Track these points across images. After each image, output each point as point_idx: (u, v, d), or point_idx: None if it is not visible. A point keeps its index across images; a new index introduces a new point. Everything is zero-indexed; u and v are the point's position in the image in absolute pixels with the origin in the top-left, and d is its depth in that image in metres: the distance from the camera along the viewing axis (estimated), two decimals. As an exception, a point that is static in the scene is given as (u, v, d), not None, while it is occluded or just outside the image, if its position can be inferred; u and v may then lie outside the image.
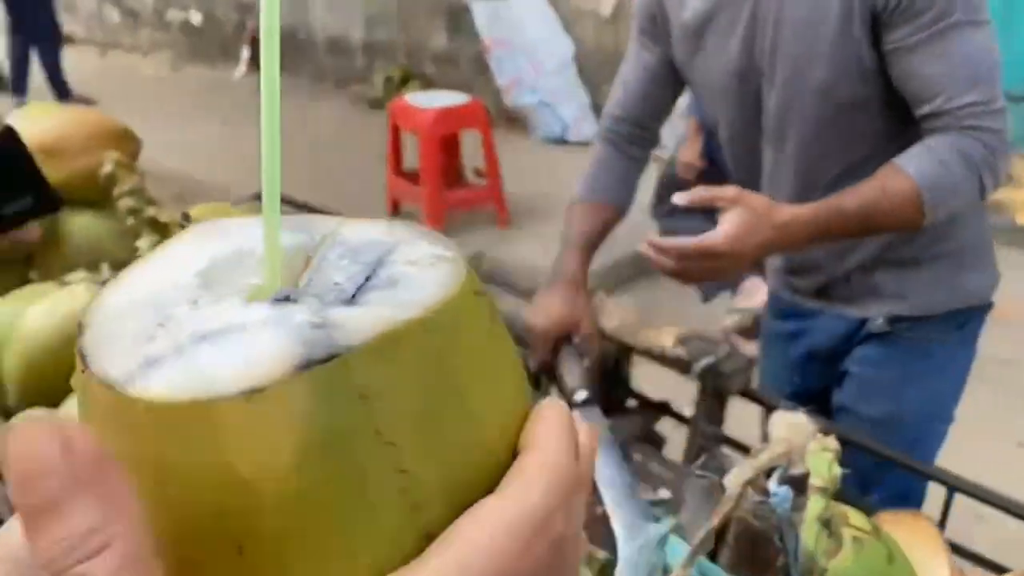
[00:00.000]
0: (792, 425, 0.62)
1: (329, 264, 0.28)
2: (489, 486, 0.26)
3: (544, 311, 1.33)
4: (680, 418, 1.36)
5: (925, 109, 1.21)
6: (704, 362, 1.22)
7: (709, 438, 1.25)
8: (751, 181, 1.44)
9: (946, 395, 1.50)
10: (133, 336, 0.25)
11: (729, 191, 1.22)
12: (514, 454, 0.27)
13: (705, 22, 1.37)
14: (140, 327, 0.25)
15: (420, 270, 0.27)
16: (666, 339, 1.29)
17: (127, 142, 1.57)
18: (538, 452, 0.27)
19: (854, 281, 1.44)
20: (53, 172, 1.49)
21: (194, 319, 0.25)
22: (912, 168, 1.19)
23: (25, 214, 0.75)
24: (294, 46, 7.75)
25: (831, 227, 1.21)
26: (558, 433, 0.28)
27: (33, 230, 0.77)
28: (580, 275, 1.39)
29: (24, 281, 1.53)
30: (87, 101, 6.60)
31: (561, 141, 5.64)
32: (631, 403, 1.41)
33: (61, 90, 6.79)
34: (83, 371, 0.24)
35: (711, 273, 1.27)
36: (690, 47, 1.41)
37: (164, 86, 7.58)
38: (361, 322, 0.24)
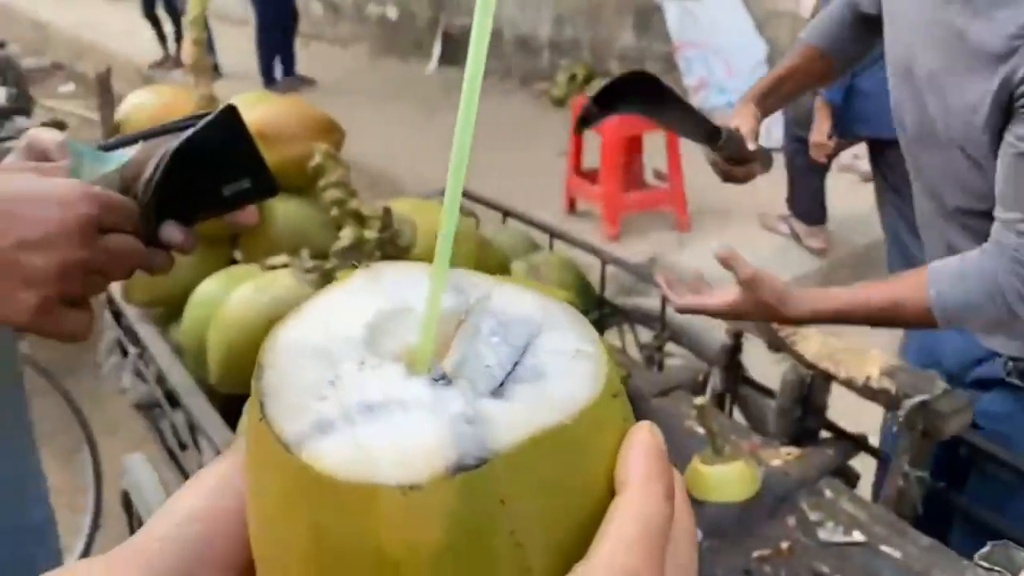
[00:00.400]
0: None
1: (480, 338, 0.30)
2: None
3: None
4: (879, 455, 1.26)
5: (998, 213, 1.12)
6: (916, 399, 1.12)
7: (912, 482, 1.14)
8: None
9: None
10: (305, 389, 0.28)
11: (746, 271, 1.16)
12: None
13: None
14: (312, 380, 0.28)
15: (565, 363, 0.29)
16: (871, 368, 1.19)
17: (333, 133, 1.62)
18: (628, 500, 0.27)
19: None
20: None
21: (360, 384, 0.28)
22: (934, 291, 1.13)
23: (242, 196, 0.76)
24: (483, 42, 7.87)
25: (842, 320, 1.16)
26: (648, 471, 0.28)
27: (252, 213, 0.77)
28: (756, 92, 1.48)
29: (229, 261, 1.61)
30: (309, 82, 7.11)
31: (747, 146, 5.45)
32: (825, 434, 1.32)
33: (270, 77, 7.27)
34: (260, 419, 0.27)
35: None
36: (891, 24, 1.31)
37: (361, 77, 7.92)
38: (508, 423, 0.26)
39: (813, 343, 1.25)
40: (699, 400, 1.19)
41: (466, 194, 2.13)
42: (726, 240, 4.02)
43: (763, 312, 1.18)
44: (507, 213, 1.99)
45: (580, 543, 0.27)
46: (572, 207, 4.42)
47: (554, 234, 1.87)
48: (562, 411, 0.27)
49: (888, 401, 1.15)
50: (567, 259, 1.77)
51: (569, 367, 0.29)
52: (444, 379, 0.28)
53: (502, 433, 0.26)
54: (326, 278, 1.03)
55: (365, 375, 0.28)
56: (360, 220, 1.01)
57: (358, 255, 1.01)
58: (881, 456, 1.28)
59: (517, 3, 7.44)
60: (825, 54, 1.49)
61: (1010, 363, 1.27)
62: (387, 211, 0.95)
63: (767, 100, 1.48)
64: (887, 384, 1.15)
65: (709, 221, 4.21)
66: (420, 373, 0.28)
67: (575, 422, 0.27)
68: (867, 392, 1.18)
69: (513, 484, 0.26)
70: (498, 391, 0.28)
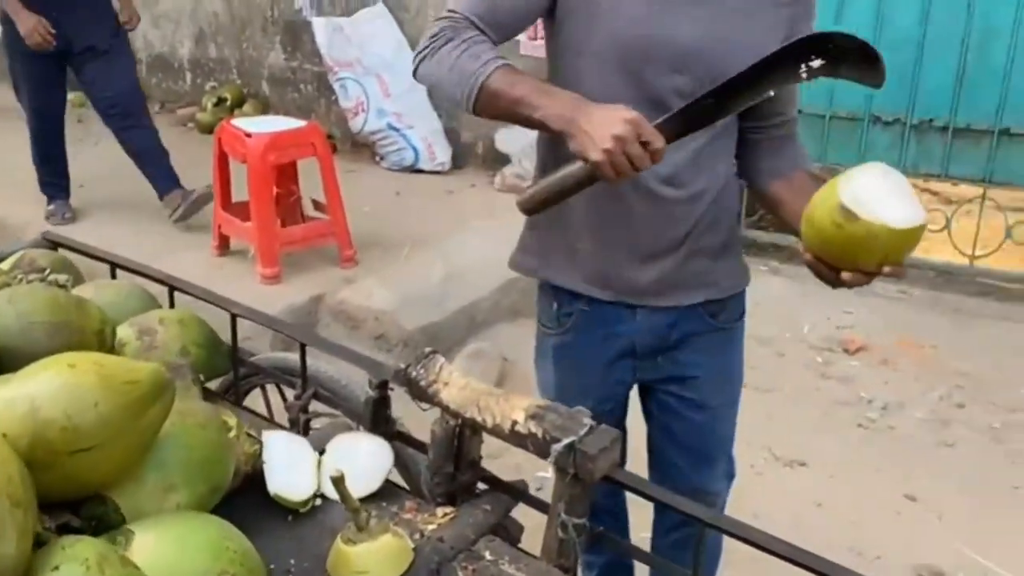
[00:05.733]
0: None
1: None
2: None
3: (612, 110, 1.32)
4: (540, 505, 1.23)
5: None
6: (564, 441, 1.09)
7: (571, 531, 1.13)
8: None
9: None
10: None
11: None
12: None
13: None
14: None
15: None
16: (516, 412, 1.16)
17: None
18: None
19: (687, 268, 1.63)
20: None
21: None
22: None
23: None
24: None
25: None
26: None
27: None
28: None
29: None
30: None
31: (413, 169, 5.51)
32: (481, 486, 1.28)
33: None
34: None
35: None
36: None
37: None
38: None
39: (454, 390, 1.21)
40: (332, 473, 1.09)
41: (64, 245, 1.87)
42: (398, 274, 3.99)
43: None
44: (115, 265, 1.77)
45: None
46: (224, 246, 4.15)
47: (173, 287, 1.69)
48: None
49: (537, 446, 1.13)
50: (190, 315, 1.60)
51: None
52: None
53: None
54: None
55: None
56: None
57: None
58: (541, 505, 1.26)
59: (150, 20, 6.99)
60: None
61: (700, 310, 1.66)
62: None
63: None
64: (533, 428, 1.13)
65: (377, 254, 4.15)
66: None
67: None
68: (516, 438, 1.15)
69: None
70: None
